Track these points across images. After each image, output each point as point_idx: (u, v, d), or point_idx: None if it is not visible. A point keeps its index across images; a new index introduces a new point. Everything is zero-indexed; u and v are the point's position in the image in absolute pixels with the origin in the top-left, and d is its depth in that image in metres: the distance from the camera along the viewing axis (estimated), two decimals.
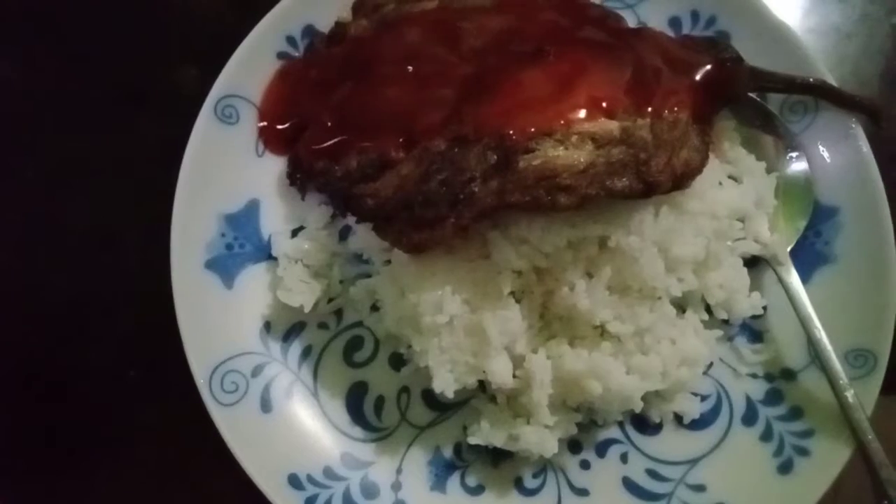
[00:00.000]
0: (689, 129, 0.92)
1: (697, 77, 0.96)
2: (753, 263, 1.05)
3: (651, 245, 0.93)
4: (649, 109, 0.92)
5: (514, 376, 0.94)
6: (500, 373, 0.92)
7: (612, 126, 0.89)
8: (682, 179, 0.90)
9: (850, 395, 0.93)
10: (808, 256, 1.03)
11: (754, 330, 1.06)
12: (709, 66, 0.97)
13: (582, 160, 0.86)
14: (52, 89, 1.25)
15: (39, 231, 1.19)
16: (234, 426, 0.94)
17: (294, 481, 0.95)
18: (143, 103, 1.23)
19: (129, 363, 1.12)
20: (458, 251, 0.95)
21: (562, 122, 0.89)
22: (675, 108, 0.93)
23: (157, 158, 1.07)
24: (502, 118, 0.90)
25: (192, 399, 0.96)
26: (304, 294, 1.01)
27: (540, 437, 0.94)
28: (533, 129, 0.88)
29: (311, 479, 0.96)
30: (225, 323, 1.00)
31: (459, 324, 0.92)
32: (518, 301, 0.95)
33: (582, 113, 0.90)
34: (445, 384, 0.93)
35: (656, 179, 0.87)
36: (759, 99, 1.08)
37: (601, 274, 0.93)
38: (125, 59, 1.25)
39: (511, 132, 0.88)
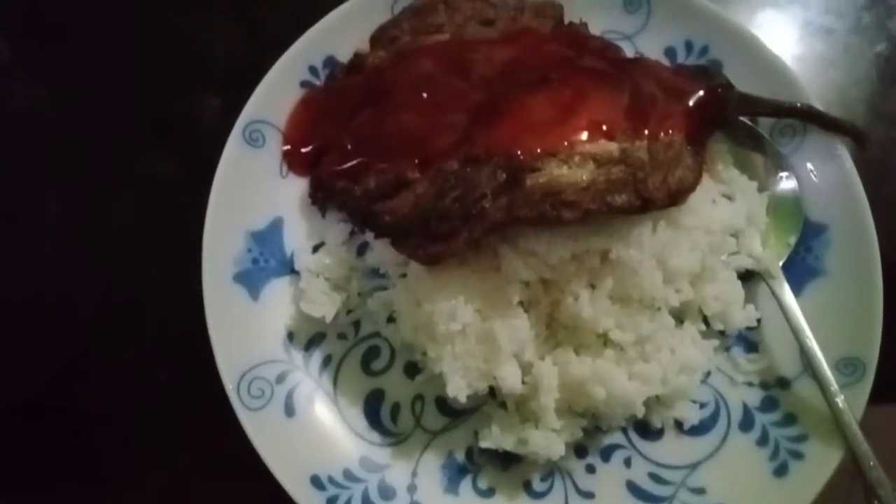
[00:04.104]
0: (683, 150, 0.97)
1: (690, 102, 1.01)
2: (748, 278, 1.09)
3: (650, 257, 0.97)
4: (646, 132, 0.96)
5: (523, 382, 0.98)
6: (510, 378, 0.96)
7: (612, 147, 0.94)
8: (676, 196, 0.95)
9: (840, 401, 0.96)
10: (800, 270, 1.07)
11: (750, 341, 1.09)
12: (701, 92, 1.01)
13: (584, 178, 0.91)
14: (80, 116, 1.30)
15: (70, 249, 1.23)
16: (260, 430, 0.97)
17: (316, 482, 0.98)
18: (169, 131, 1.29)
19: (159, 370, 1.16)
20: (471, 263, 0.99)
21: (565, 143, 0.93)
22: (670, 131, 0.97)
23: (183, 182, 1.13)
24: (511, 140, 0.94)
25: (216, 406, 0.99)
26: (325, 305, 1.05)
27: (547, 440, 0.97)
28: (539, 150, 0.93)
29: (332, 480, 0.98)
30: (251, 332, 1.04)
31: (471, 332, 0.96)
32: (526, 311, 0.99)
33: (584, 135, 0.94)
34: (458, 389, 0.96)
35: (653, 196, 0.92)
36: (750, 123, 1.13)
37: (603, 284, 0.97)
38: (152, 90, 1.31)
39: (519, 153, 0.93)
